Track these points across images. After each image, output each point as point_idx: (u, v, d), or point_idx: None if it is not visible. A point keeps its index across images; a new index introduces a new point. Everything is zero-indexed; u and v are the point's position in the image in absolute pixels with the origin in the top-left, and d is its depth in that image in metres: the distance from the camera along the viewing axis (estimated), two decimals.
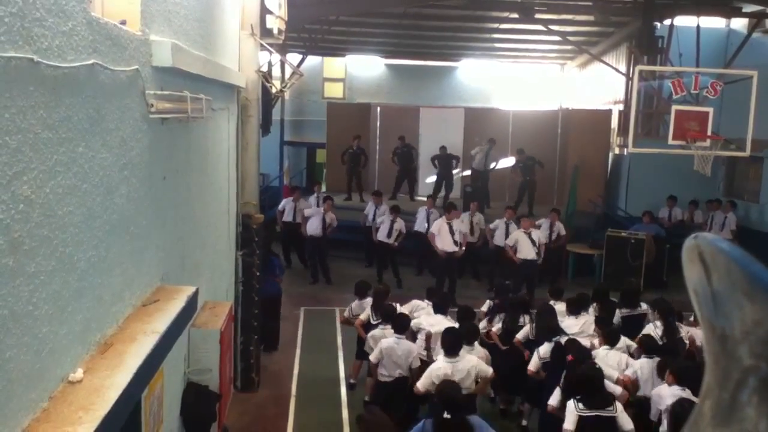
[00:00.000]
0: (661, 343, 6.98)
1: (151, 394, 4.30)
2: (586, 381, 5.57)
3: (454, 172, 16.26)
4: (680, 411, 5.38)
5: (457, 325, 7.03)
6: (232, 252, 7.94)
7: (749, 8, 13.08)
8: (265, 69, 9.62)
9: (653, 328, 7.28)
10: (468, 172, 16.77)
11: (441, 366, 6.18)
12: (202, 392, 5.73)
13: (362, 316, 8.03)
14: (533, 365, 6.83)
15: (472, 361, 6.30)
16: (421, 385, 6.16)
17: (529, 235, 11.84)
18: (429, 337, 7.13)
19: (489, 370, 6.39)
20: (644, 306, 8.29)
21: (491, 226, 12.95)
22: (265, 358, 8.85)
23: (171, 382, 5.08)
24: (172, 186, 4.98)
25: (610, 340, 6.88)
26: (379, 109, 18.60)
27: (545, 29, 14.35)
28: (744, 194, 15.41)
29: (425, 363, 6.74)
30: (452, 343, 6.24)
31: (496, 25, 15.47)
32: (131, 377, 3.19)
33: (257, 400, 8.04)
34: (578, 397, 5.47)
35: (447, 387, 5.43)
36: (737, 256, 0.56)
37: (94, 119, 3.33)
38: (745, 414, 0.52)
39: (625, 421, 5.47)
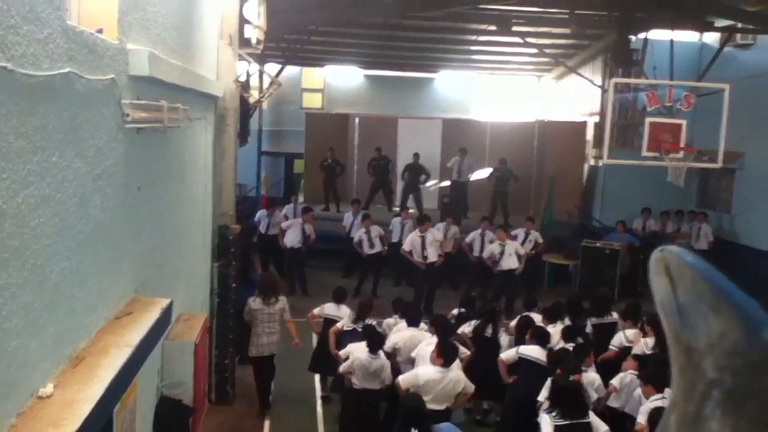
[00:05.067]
0: (651, 352, 6.89)
1: (123, 409, 4.23)
2: (570, 394, 5.61)
3: (428, 185, 16.27)
4: (658, 419, 5.41)
5: (429, 336, 7.08)
6: (208, 263, 7.87)
7: (721, 23, 13.32)
8: (243, 79, 9.59)
9: (644, 345, 7.10)
10: (446, 183, 16.85)
11: (431, 372, 6.20)
12: (176, 406, 5.66)
13: (338, 325, 7.92)
14: (507, 356, 6.95)
15: (459, 377, 6.34)
16: (403, 381, 6.23)
17: (504, 247, 11.89)
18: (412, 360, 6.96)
19: (472, 388, 6.43)
20: (615, 315, 8.31)
21: (467, 240, 12.87)
22: (239, 370, 8.75)
23: (144, 396, 5.01)
24: (147, 196, 4.93)
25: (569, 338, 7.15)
26: (357, 119, 18.62)
27: (522, 42, 14.49)
28: (716, 205, 15.67)
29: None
30: (450, 355, 6.29)
31: (474, 37, 15.59)
32: (103, 391, 3.14)
33: (232, 413, 7.95)
34: (554, 410, 5.50)
35: (411, 400, 5.47)
36: (702, 268, 0.57)
37: (68, 128, 3.29)
38: (709, 427, 0.53)
39: (599, 423, 5.53)
